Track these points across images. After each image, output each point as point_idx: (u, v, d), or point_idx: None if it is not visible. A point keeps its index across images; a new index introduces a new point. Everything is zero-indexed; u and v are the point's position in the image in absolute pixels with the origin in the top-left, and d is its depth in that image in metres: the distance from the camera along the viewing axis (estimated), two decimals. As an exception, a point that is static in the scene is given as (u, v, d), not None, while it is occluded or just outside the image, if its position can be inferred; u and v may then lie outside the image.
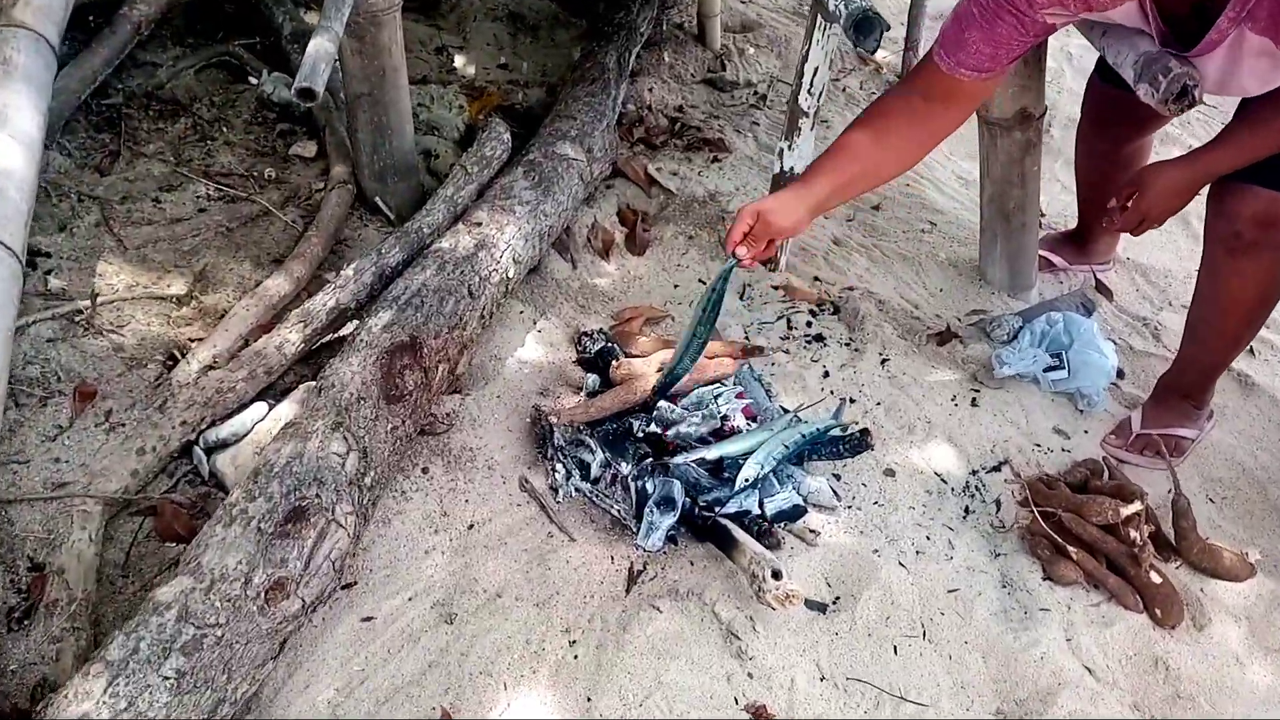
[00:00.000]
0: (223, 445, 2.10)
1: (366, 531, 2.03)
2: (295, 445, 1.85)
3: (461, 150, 3.20)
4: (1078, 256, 3.17)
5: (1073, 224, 3.38)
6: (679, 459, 2.19)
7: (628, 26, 3.54)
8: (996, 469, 2.47)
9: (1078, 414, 2.66)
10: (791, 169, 2.73)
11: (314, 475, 1.81)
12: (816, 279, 2.97)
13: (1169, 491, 2.47)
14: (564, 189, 2.76)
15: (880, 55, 4.16)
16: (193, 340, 2.33)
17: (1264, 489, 2.52)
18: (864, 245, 3.14)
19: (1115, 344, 2.82)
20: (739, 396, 2.39)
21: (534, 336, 2.61)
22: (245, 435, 2.11)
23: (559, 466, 2.26)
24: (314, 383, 2.11)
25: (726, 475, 2.23)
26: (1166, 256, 3.34)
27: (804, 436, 2.27)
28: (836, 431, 2.35)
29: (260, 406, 2.17)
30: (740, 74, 3.91)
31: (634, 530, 2.17)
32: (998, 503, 2.39)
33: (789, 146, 2.69)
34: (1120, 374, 2.77)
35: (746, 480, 2.17)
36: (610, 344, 2.49)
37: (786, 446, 2.24)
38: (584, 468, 2.25)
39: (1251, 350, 2.93)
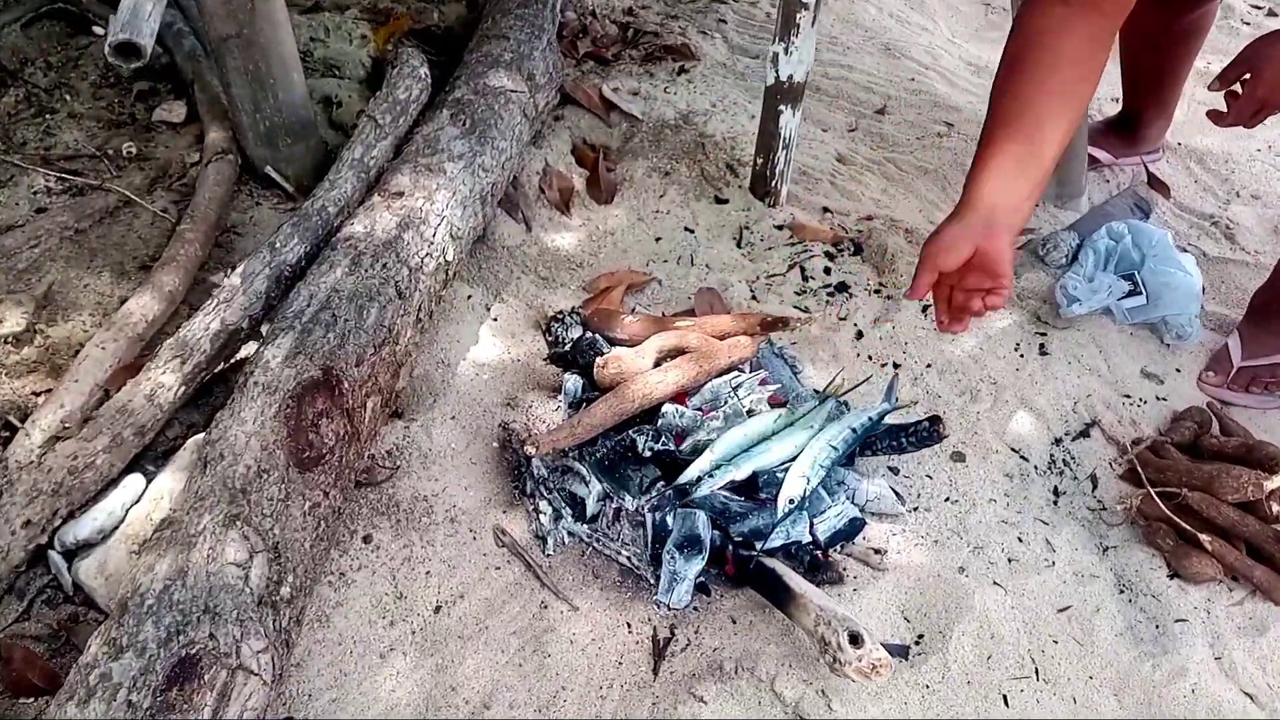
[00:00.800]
0: (87, 546, 1.54)
1: (300, 638, 1.50)
2: (174, 558, 1.31)
3: (371, 92, 2.58)
4: (1125, 147, 2.65)
5: (1108, 109, 2.86)
6: (703, 487, 1.67)
7: (556, -84, 2.88)
8: (1085, 434, 1.98)
9: (1165, 349, 2.18)
10: (790, 78, 2.16)
11: (204, 603, 1.27)
12: (826, 210, 2.42)
13: (1292, 436, 2.01)
14: (505, 131, 2.17)
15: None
16: (38, 395, 1.75)
17: (1400, 419, 2.06)
18: (874, 161, 2.59)
19: (1189, 253, 2.33)
20: (762, 383, 1.87)
21: (489, 328, 2.05)
22: (116, 529, 1.55)
23: (544, 505, 1.73)
24: (205, 436, 1.55)
25: (764, 495, 1.73)
26: (1219, 137, 2.82)
27: (854, 431, 1.76)
28: (892, 416, 1.84)
29: (134, 482, 1.61)
30: (695, -38, 3.28)
31: (651, 582, 1.67)
32: (1093, 479, 1.91)
33: (785, 50, 2.12)
34: (1201, 289, 2.28)
35: (792, 501, 1.67)
36: (589, 332, 1.94)
37: (835, 447, 1.73)
38: (576, 504, 1.73)
39: (1348, 242, 2.46)
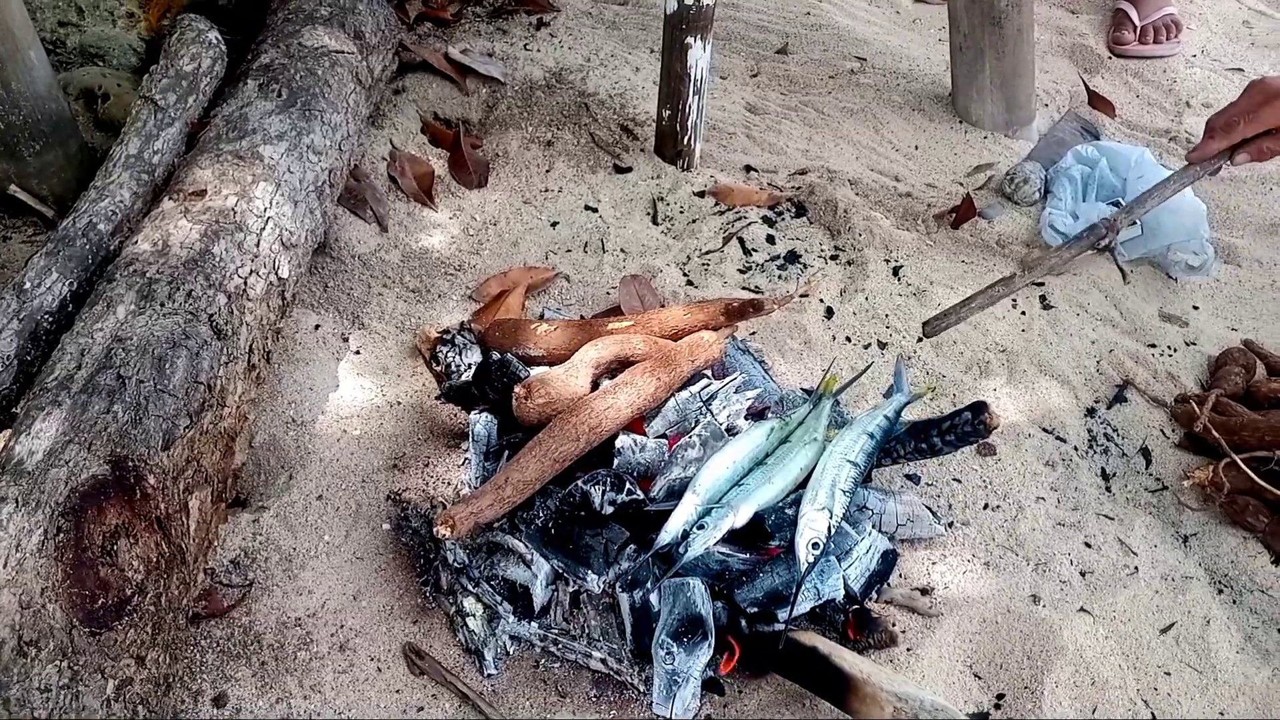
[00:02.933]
0: None
1: None
2: None
3: (148, 81, 1.98)
4: None
5: None
6: (694, 544, 1.19)
7: None
8: (1120, 399, 1.61)
9: (1172, 284, 1.84)
10: (698, 1, 1.71)
11: None
12: (749, 169, 1.98)
13: None
14: (336, 103, 1.63)
15: None
16: None
17: None
18: (790, 107, 2.17)
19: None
20: (738, 390, 1.41)
21: (352, 366, 1.51)
22: None
23: (470, 605, 1.22)
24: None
25: (776, 543, 1.27)
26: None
27: (873, 438, 1.32)
28: (907, 411, 1.41)
29: None
30: (531, -92, 2.79)
31: (641, 689, 1.18)
32: (1145, 453, 1.54)
33: (687, -37, 1.66)
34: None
35: (815, 546, 1.21)
36: (495, 352, 1.43)
37: (855, 463, 1.28)
38: (518, 595, 1.22)
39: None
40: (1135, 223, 1.83)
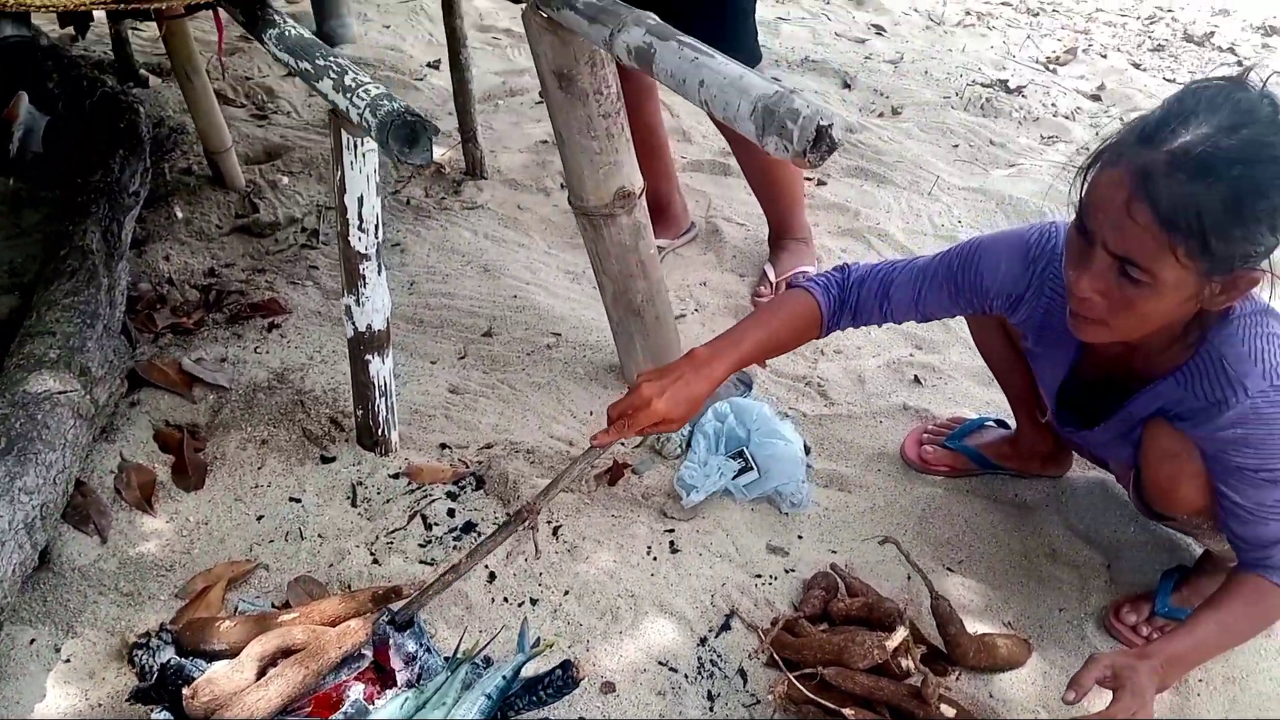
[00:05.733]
0: None
1: None
2: None
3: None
4: (661, 231, 2.97)
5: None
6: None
7: (110, 190, 2.72)
8: (726, 627, 1.98)
9: (785, 518, 2.26)
10: (369, 326, 2.10)
11: None
12: (444, 447, 2.34)
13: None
14: (53, 441, 1.92)
15: (439, 154, 3.64)
16: None
17: (994, 535, 2.24)
18: (487, 385, 2.57)
19: (790, 418, 2.47)
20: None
21: (59, 675, 1.75)
22: None
23: None
24: None
25: (394, 807, 1.55)
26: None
27: (490, 698, 1.64)
28: (536, 663, 1.74)
29: None
30: (279, 211, 3.21)
31: None
32: (743, 674, 1.90)
33: (356, 302, 2.06)
34: (807, 449, 2.41)
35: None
36: (181, 652, 1.70)
37: (468, 724, 1.59)
38: None
39: (919, 380, 2.73)
40: (752, 466, 2.25)
